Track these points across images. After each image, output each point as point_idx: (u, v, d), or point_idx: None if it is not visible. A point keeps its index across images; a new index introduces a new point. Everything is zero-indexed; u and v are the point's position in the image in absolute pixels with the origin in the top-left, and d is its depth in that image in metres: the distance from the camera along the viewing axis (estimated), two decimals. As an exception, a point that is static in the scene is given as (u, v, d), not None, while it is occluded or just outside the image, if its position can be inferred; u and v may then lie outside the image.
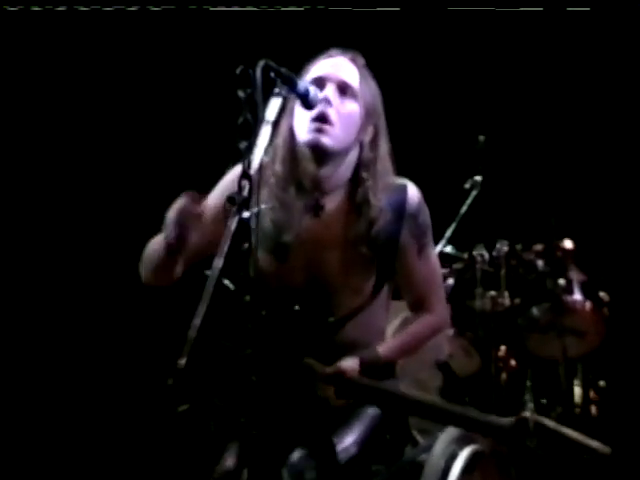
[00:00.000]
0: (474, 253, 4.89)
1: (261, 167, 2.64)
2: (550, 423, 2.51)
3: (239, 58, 2.43)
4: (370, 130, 2.99)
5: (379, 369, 2.97)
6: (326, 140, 2.87)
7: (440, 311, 3.14)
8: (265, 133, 2.53)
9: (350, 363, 2.89)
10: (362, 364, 2.91)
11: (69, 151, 5.42)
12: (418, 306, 3.11)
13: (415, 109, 5.31)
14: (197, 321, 2.29)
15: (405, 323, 3.17)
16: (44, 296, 5.31)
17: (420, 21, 5.37)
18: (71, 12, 5.19)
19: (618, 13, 4.88)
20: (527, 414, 2.53)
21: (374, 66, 3.08)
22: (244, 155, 2.42)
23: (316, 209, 2.97)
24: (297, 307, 2.92)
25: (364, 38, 5.16)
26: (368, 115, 2.97)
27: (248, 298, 2.87)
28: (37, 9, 5.17)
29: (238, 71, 2.46)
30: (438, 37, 5.45)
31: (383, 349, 3.00)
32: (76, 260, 5.37)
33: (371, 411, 2.98)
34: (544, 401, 4.71)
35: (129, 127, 5.41)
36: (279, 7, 5.26)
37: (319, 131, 2.86)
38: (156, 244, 2.91)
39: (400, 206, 2.98)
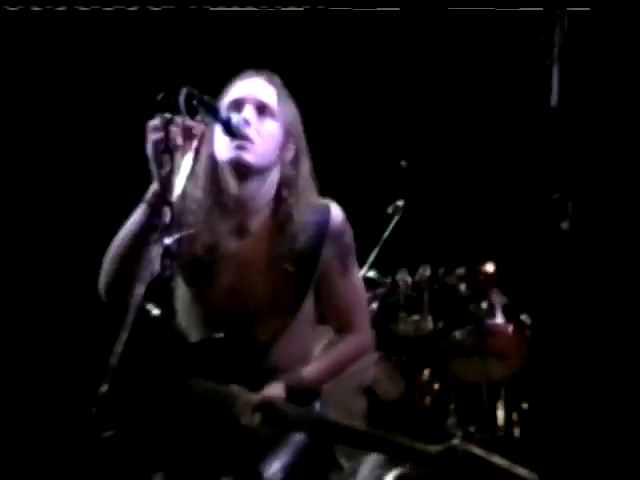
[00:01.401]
0: (397, 277, 4.90)
1: (184, 195, 2.70)
2: (478, 451, 2.50)
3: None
4: (291, 148, 3.01)
5: (304, 393, 2.95)
6: (248, 156, 2.88)
7: (365, 333, 3.14)
8: (187, 161, 2.55)
9: (275, 390, 2.87)
10: (287, 389, 2.89)
11: (68, 151, 5.38)
12: (343, 328, 3.09)
13: (336, 133, 5.33)
14: (118, 348, 2.29)
15: (330, 346, 3.15)
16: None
17: (348, 42, 5.42)
18: (71, 12, 5.18)
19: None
20: (455, 442, 2.52)
21: (306, 85, 3.10)
22: (165, 182, 2.46)
23: (241, 230, 2.97)
24: (221, 334, 2.91)
25: (363, 38, 5.32)
26: (288, 134, 3.00)
27: (173, 325, 2.89)
28: (37, 9, 5.16)
29: (159, 97, 2.48)
30: (362, 60, 5.48)
31: (308, 373, 2.98)
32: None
33: (297, 436, 2.93)
34: (472, 429, 4.72)
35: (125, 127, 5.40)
36: (279, 7, 5.27)
37: (240, 148, 2.87)
38: (126, 230, 2.80)
39: (323, 225, 2.99)
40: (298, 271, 2.96)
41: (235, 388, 2.84)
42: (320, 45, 5.40)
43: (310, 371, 2.99)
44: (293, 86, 3.09)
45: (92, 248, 3.01)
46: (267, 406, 2.81)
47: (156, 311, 2.88)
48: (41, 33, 5.25)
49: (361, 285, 3.20)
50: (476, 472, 2.47)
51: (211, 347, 2.91)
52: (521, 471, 2.47)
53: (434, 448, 2.55)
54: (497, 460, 2.47)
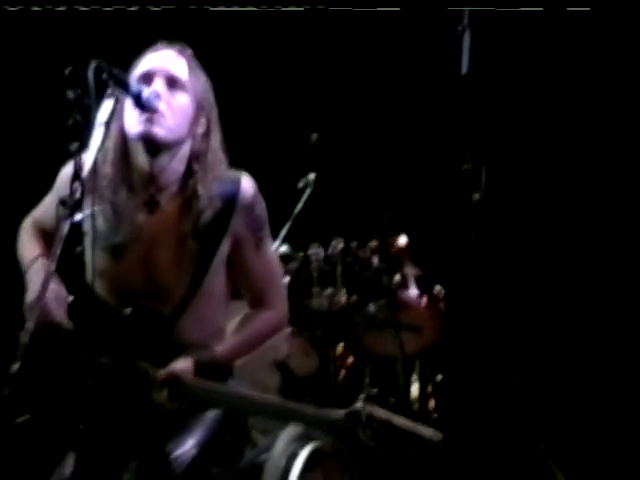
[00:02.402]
0: (309, 252, 4.87)
1: (94, 170, 2.68)
2: (382, 413, 2.52)
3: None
4: (202, 122, 2.97)
5: (216, 370, 2.93)
6: (157, 130, 2.84)
7: (280, 308, 3.11)
8: (97, 135, 2.57)
9: (183, 365, 2.84)
10: (197, 365, 2.86)
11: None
12: (257, 302, 3.06)
13: (247, 107, 5.30)
14: (30, 325, 2.31)
15: (244, 321, 3.12)
16: None
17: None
18: (71, 12, 5.19)
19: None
20: (359, 405, 2.53)
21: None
22: (75, 157, 2.48)
23: (151, 205, 2.93)
24: (128, 310, 2.88)
25: (364, 38, 5.35)
26: (199, 107, 2.96)
27: (83, 302, 2.85)
28: (37, 9, 5.17)
29: (67, 72, 2.45)
30: (274, 35, 5.50)
31: (220, 349, 2.96)
32: None
33: (210, 413, 2.93)
34: (375, 390, 4.72)
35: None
36: (279, 7, 5.29)
37: (150, 122, 2.83)
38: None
39: (232, 198, 2.95)
40: (201, 246, 2.93)
41: (143, 364, 2.81)
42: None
43: (223, 347, 2.97)
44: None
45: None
46: (173, 381, 2.79)
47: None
48: (41, 33, 5.27)
49: (275, 258, 3.18)
50: (380, 434, 2.48)
51: (118, 324, 2.87)
52: (425, 431, 2.49)
53: (338, 413, 2.56)
54: (401, 421, 2.49)
